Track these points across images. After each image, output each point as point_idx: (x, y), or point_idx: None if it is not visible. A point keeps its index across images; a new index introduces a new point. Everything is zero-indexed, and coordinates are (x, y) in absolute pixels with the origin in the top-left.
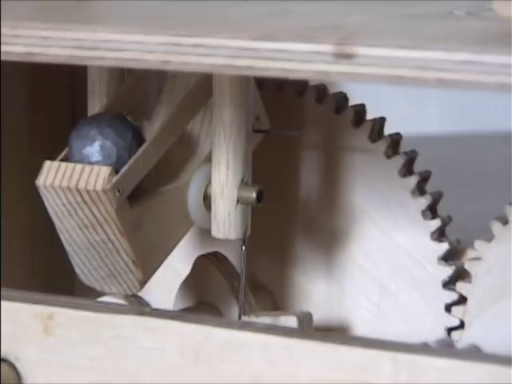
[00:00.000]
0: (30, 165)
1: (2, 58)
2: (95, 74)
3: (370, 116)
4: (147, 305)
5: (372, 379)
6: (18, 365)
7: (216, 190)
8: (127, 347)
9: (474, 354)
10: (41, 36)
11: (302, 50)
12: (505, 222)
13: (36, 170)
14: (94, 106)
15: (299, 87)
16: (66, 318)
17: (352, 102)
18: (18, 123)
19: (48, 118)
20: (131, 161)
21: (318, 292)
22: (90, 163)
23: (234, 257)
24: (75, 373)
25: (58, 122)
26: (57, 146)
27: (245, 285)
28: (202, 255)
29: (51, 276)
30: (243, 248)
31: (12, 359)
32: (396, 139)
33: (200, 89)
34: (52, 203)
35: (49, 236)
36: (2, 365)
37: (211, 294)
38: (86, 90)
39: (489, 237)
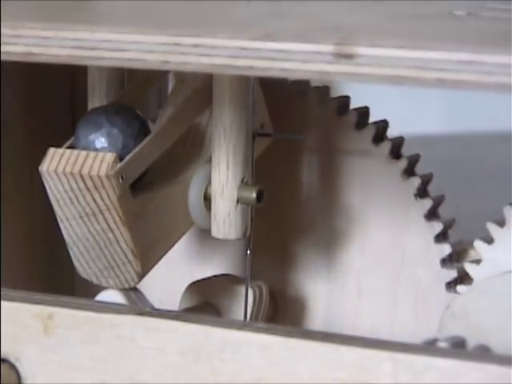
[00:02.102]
0: (29, 165)
1: (2, 58)
2: (95, 74)
3: (370, 116)
4: (148, 303)
5: (372, 379)
6: (17, 365)
7: (216, 190)
8: (127, 347)
9: (474, 353)
10: (41, 36)
11: (302, 50)
12: (502, 223)
13: (36, 170)
14: (94, 106)
15: (301, 89)
16: (66, 317)
17: (352, 101)
18: (18, 123)
19: (48, 118)
20: (136, 149)
21: (318, 293)
22: (96, 149)
23: (234, 257)
24: (75, 373)
25: (57, 122)
26: (57, 146)
27: (265, 294)
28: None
29: (51, 276)
30: (248, 252)
31: (12, 359)
32: (398, 142)
33: (207, 87)
34: (54, 190)
35: (49, 236)
36: (2, 365)
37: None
38: (86, 89)
39: (489, 238)
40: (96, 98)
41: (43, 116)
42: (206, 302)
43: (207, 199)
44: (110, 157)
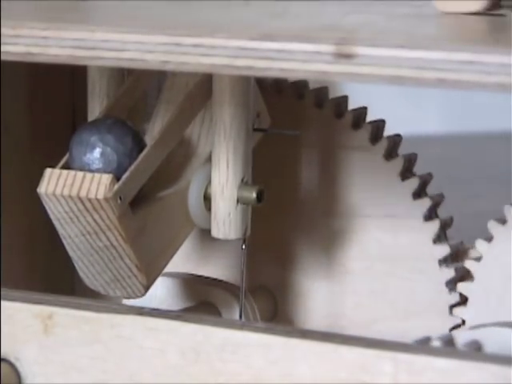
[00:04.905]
0: (30, 165)
1: (2, 58)
2: (95, 74)
3: (369, 116)
4: None
5: (372, 379)
6: (18, 365)
7: (216, 190)
8: (127, 347)
9: (474, 354)
10: (41, 36)
11: (302, 49)
12: (503, 222)
13: (36, 171)
14: (94, 106)
15: (299, 91)
16: (66, 317)
17: (351, 101)
18: (18, 123)
19: (48, 119)
20: (132, 167)
21: (317, 292)
22: (91, 170)
23: (234, 257)
24: (75, 373)
25: (58, 122)
26: (57, 146)
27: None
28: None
29: (51, 276)
30: (243, 247)
31: (12, 359)
32: (395, 141)
33: (199, 90)
34: (54, 211)
35: (49, 236)
36: (2, 365)
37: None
38: (86, 90)
39: (489, 237)
40: (96, 98)
41: (43, 116)
42: (204, 302)
43: (207, 199)
44: (106, 178)
